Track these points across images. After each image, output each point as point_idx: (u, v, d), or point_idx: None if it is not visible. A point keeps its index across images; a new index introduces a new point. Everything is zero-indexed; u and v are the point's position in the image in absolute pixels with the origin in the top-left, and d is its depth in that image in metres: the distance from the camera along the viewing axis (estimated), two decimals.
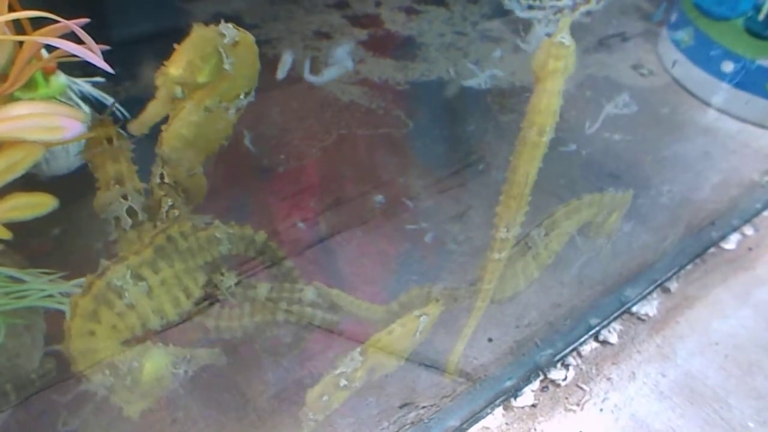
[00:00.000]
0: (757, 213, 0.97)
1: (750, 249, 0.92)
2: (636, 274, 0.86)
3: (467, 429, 0.68)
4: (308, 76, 1.00)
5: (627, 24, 1.39)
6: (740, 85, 1.13)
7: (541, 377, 0.73)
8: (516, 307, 0.79)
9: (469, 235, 0.88)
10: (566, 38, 0.56)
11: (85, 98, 0.78)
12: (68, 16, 0.50)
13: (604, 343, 0.78)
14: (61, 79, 0.74)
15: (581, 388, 0.73)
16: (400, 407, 0.69)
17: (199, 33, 0.54)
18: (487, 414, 0.69)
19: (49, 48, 0.51)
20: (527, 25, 1.09)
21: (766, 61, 1.09)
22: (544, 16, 1.09)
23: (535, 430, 0.68)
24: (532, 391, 0.72)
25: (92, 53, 0.48)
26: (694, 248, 0.90)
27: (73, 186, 0.62)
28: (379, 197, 0.92)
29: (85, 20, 0.50)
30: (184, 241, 0.58)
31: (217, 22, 0.54)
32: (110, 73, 0.50)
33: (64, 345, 0.52)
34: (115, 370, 0.54)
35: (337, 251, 0.85)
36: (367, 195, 0.92)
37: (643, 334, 0.79)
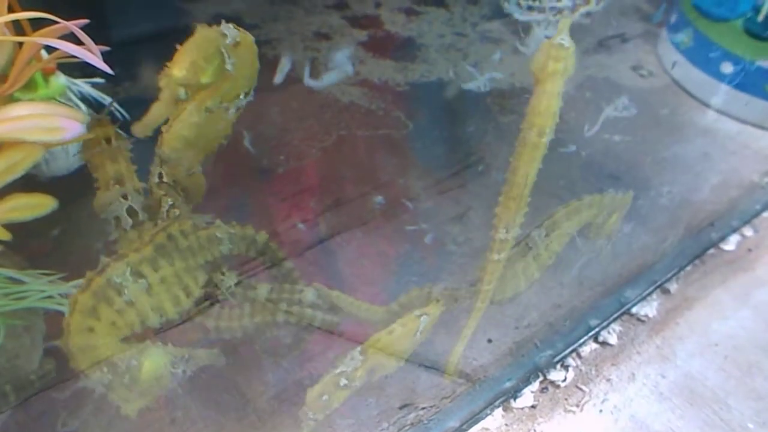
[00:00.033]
0: (757, 214, 0.97)
1: (749, 250, 0.92)
2: (636, 275, 0.86)
3: (467, 430, 0.68)
4: (308, 81, 1.01)
5: (627, 25, 1.40)
6: (740, 87, 1.13)
7: (541, 378, 0.73)
8: (516, 308, 0.79)
9: (469, 236, 0.88)
10: (566, 40, 0.56)
11: (85, 99, 0.78)
12: (68, 17, 0.50)
13: (604, 344, 0.78)
14: (60, 79, 0.74)
15: (581, 389, 0.73)
16: (400, 408, 0.69)
17: (202, 34, 0.54)
18: (487, 415, 0.69)
19: (49, 49, 0.51)
20: (526, 27, 1.10)
21: (766, 62, 1.09)
22: (544, 18, 1.09)
23: (534, 431, 0.68)
24: (532, 392, 0.72)
25: (92, 54, 0.48)
26: (693, 249, 0.90)
27: (73, 187, 0.62)
28: (379, 198, 0.92)
29: (84, 21, 0.50)
30: (184, 239, 0.58)
31: (218, 23, 0.55)
32: (110, 74, 0.50)
33: (63, 341, 0.52)
34: (114, 368, 0.54)
35: (336, 252, 0.85)
36: (367, 196, 0.92)
37: (643, 335, 0.79)
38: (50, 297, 0.60)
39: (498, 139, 1.04)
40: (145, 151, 0.62)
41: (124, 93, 0.99)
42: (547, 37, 0.57)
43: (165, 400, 0.66)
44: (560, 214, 0.73)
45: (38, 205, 0.52)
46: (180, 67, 0.54)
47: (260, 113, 1.03)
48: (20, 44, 0.52)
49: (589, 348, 0.77)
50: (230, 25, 0.54)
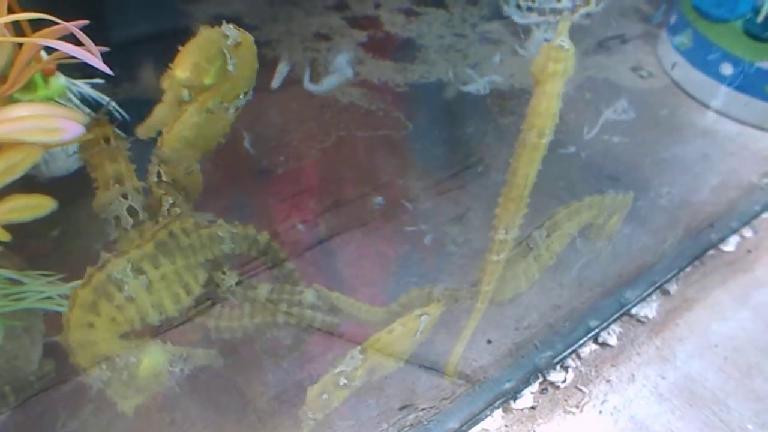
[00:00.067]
0: (756, 215, 0.97)
1: (749, 251, 0.92)
2: (635, 276, 0.86)
3: (466, 431, 0.68)
4: (308, 85, 1.01)
5: (626, 26, 1.40)
6: (739, 88, 1.13)
7: (541, 379, 0.73)
8: (515, 309, 0.79)
9: (469, 237, 0.88)
10: (565, 41, 0.56)
11: (85, 100, 0.78)
12: (67, 18, 0.50)
13: (604, 345, 0.78)
14: (60, 80, 0.74)
15: (580, 390, 0.72)
16: (400, 409, 0.69)
17: (204, 35, 0.54)
18: (487, 416, 0.69)
19: (49, 50, 0.51)
20: (526, 30, 1.10)
21: (765, 64, 1.09)
22: (544, 20, 1.09)
23: None
24: (532, 393, 0.72)
25: (91, 55, 0.48)
26: (693, 250, 0.90)
27: (72, 187, 0.62)
28: (379, 199, 0.92)
29: (84, 22, 0.50)
30: (185, 237, 0.58)
31: (219, 24, 0.55)
32: (109, 75, 0.50)
33: (63, 336, 0.52)
34: (113, 364, 0.54)
35: (336, 253, 0.85)
36: (367, 197, 0.92)
37: (643, 336, 0.79)
38: (49, 298, 0.60)
39: (497, 140, 1.04)
40: (140, 150, 0.62)
41: (124, 94, 0.99)
42: (547, 40, 0.57)
43: (164, 400, 0.66)
44: (561, 215, 0.73)
45: (37, 205, 0.52)
46: (183, 69, 0.54)
47: (260, 114, 1.03)
48: (20, 45, 0.52)
49: (588, 349, 0.77)
50: (231, 26, 0.55)
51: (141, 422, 0.65)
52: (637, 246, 0.90)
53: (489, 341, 0.76)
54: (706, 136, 1.13)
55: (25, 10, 0.49)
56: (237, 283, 0.64)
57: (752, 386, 0.74)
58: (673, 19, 1.27)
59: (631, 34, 1.37)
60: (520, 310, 0.79)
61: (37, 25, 0.51)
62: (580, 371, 0.75)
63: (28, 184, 0.51)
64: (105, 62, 0.49)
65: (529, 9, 1.21)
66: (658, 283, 0.85)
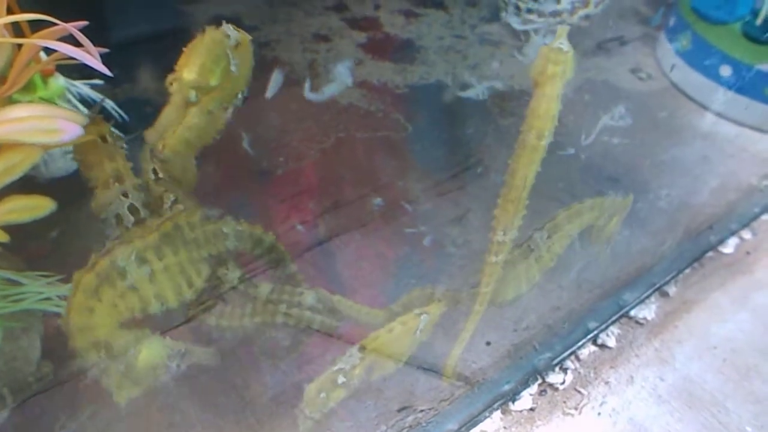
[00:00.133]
0: (756, 217, 0.97)
1: (748, 253, 0.92)
2: (634, 278, 0.86)
3: None
4: (308, 94, 1.01)
5: (625, 28, 1.40)
6: (738, 90, 1.14)
7: (540, 381, 0.73)
8: (514, 311, 0.79)
9: (468, 238, 0.88)
10: (564, 44, 0.56)
11: (84, 100, 0.78)
12: (67, 19, 0.50)
13: (603, 346, 0.78)
14: (59, 81, 0.74)
15: (579, 391, 0.72)
16: (399, 411, 0.69)
17: (210, 35, 0.55)
18: (486, 418, 0.69)
19: (48, 50, 0.51)
20: (525, 34, 1.10)
21: (764, 66, 1.09)
22: (543, 23, 1.10)
23: None
24: (531, 394, 0.72)
25: (90, 56, 0.48)
26: (692, 252, 0.90)
27: (71, 188, 0.62)
28: (378, 200, 0.92)
29: (83, 23, 0.50)
30: (190, 231, 0.58)
31: (219, 24, 0.55)
32: (108, 76, 0.50)
33: (64, 320, 0.53)
34: (111, 352, 0.54)
35: (335, 254, 0.85)
36: (366, 198, 0.92)
37: (642, 338, 0.79)
38: (48, 299, 0.60)
39: (497, 142, 1.04)
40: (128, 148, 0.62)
41: (123, 95, 0.99)
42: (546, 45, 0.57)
43: (163, 401, 0.66)
44: (562, 217, 0.73)
45: (37, 206, 0.52)
46: (190, 70, 0.55)
47: (259, 115, 1.03)
48: (19, 46, 0.52)
49: (587, 351, 0.77)
50: (230, 26, 0.55)
51: (140, 423, 0.65)
52: (636, 248, 0.90)
53: (488, 343, 0.76)
54: (705, 138, 1.13)
55: (24, 11, 0.49)
56: (239, 280, 0.65)
57: (751, 388, 0.74)
58: (672, 21, 1.27)
59: (630, 36, 1.37)
60: (519, 311, 0.79)
61: (36, 26, 0.51)
62: (579, 373, 0.75)
63: (27, 184, 0.51)
64: (104, 63, 0.49)
65: (529, 11, 1.21)
66: (657, 285, 0.85)
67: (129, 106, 0.83)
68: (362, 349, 0.61)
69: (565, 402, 0.71)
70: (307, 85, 1.03)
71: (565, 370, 0.75)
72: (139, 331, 0.56)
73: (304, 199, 0.91)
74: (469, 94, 1.06)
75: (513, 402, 0.71)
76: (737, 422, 0.70)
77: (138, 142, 0.61)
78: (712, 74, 1.16)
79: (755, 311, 0.83)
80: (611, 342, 0.78)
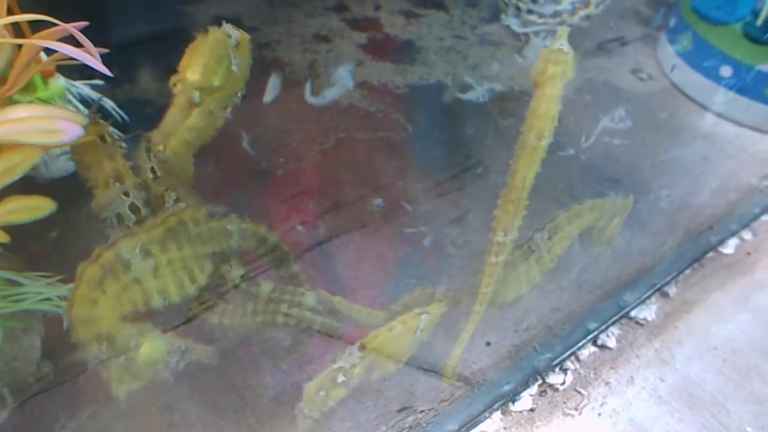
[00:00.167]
0: (756, 217, 0.97)
1: (748, 253, 0.92)
2: (635, 278, 0.86)
3: None
4: (309, 99, 1.01)
5: (626, 28, 1.40)
6: (739, 90, 1.14)
7: (540, 381, 0.73)
8: (514, 312, 0.79)
9: (468, 238, 0.88)
10: (564, 45, 0.56)
11: (84, 101, 0.78)
12: (67, 20, 0.50)
13: (603, 347, 0.78)
14: (59, 82, 0.74)
15: (579, 392, 0.72)
16: (399, 411, 0.69)
17: (213, 36, 0.55)
18: (486, 418, 0.69)
19: (48, 51, 0.51)
20: (525, 37, 1.10)
21: (765, 66, 1.09)
22: (543, 22, 1.10)
23: None
24: (531, 395, 0.72)
25: (90, 56, 0.48)
26: (692, 253, 0.90)
27: (71, 188, 0.62)
28: (378, 201, 0.92)
29: (84, 23, 0.50)
30: (195, 226, 0.58)
31: (219, 25, 0.55)
32: (109, 76, 0.50)
33: (66, 311, 0.53)
34: (112, 345, 0.54)
35: (335, 254, 0.85)
36: (366, 198, 0.92)
37: (642, 339, 0.79)
38: (48, 299, 0.60)
39: (497, 142, 1.04)
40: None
41: (123, 95, 0.99)
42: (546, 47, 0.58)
43: (163, 402, 0.66)
44: (562, 218, 0.73)
45: (37, 207, 0.52)
46: (194, 71, 0.55)
47: (259, 115, 1.03)
48: (19, 46, 0.52)
49: (587, 351, 0.77)
50: (230, 26, 0.55)
51: (140, 424, 0.65)
52: (637, 248, 0.90)
53: (488, 343, 0.76)
54: (705, 138, 1.13)
55: (24, 11, 0.49)
56: (242, 277, 0.65)
57: (751, 389, 0.74)
58: (672, 22, 1.27)
59: (631, 37, 1.37)
60: (519, 312, 0.79)
61: (36, 27, 0.51)
62: (579, 373, 0.75)
63: (27, 185, 0.51)
64: (104, 63, 0.49)
65: (529, 11, 1.21)
66: (657, 286, 0.85)
67: (129, 107, 0.83)
68: (362, 347, 0.61)
69: (565, 403, 0.71)
70: (307, 88, 1.03)
71: (565, 371, 0.75)
72: (142, 325, 0.56)
73: (305, 200, 0.91)
74: (469, 96, 1.07)
75: (513, 402, 0.71)
76: (737, 423, 0.70)
77: (137, 142, 0.62)
78: (713, 75, 1.16)
79: (756, 312, 0.83)
80: (611, 343, 0.78)
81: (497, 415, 0.70)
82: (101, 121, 0.61)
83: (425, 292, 0.70)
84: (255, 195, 0.92)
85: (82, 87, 0.78)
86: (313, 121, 1.05)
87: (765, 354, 0.78)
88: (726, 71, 1.14)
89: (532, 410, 0.70)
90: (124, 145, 0.62)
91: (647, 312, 0.82)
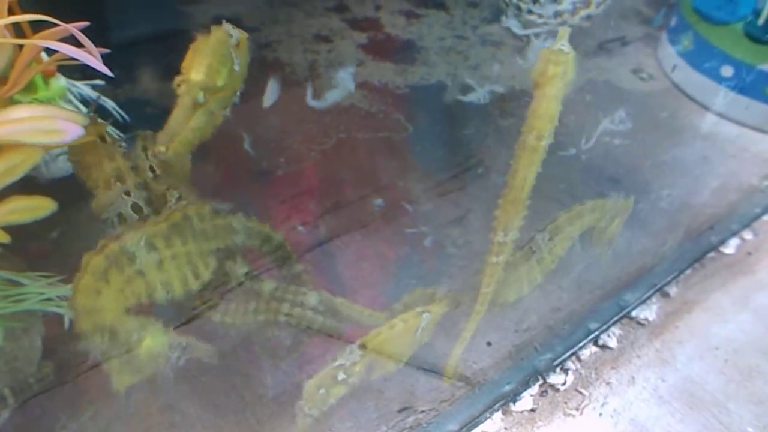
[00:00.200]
0: (757, 217, 0.97)
1: (749, 253, 0.92)
2: (635, 278, 0.86)
3: None
4: (311, 102, 1.01)
5: (627, 28, 1.40)
6: (740, 90, 1.13)
7: (541, 382, 0.73)
8: (515, 312, 0.79)
9: (469, 238, 0.88)
10: (565, 46, 0.56)
11: (85, 101, 0.78)
12: (68, 20, 0.50)
13: (604, 347, 0.78)
14: (60, 82, 0.74)
15: (580, 392, 0.72)
16: (399, 411, 0.68)
17: (216, 35, 0.55)
18: (486, 419, 0.69)
19: (49, 51, 0.51)
20: (525, 39, 1.10)
21: (766, 66, 1.09)
22: (543, 30, 1.10)
23: None
24: (531, 395, 0.72)
25: (91, 56, 0.48)
26: (693, 253, 0.90)
27: (72, 189, 0.62)
28: (379, 201, 0.92)
29: (85, 23, 0.50)
30: (199, 222, 0.58)
31: (220, 24, 0.55)
32: (109, 76, 0.50)
33: (70, 301, 0.53)
34: (115, 337, 0.54)
35: (336, 255, 0.85)
36: (367, 198, 0.92)
37: (643, 339, 0.79)
38: (49, 299, 0.60)
39: (498, 142, 1.04)
40: None
41: (124, 95, 0.99)
42: None
43: (164, 402, 0.66)
44: (563, 218, 0.73)
45: (37, 207, 0.52)
46: (198, 71, 0.55)
47: (260, 115, 1.03)
48: (20, 47, 0.52)
49: (588, 351, 0.77)
50: (230, 25, 0.55)
51: (140, 424, 0.65)
52: (637, 248, 0.90)
53: (489, 343, 0.76)
54: (706, 138, 1.13)
55: (25, 11, 0.49)
56: (245, 274, 0.65)
57: (753, 389, 0.74)
58: (673, 22, 1.27)
59: (632, 37, 1.37)
60: (520, 312, 0.79)
61: (37, 27, 0.52)
62: (580, 374, 0.75)
63: (27, 185, 0.51)
64: (105, 64, 0.49)
65: (530, 12, 1.21)
66: (658, 286, 0.85)
67: (130, 106, 0.83)
68: (363, 346, 0.60)
69: (566, 403, 0.71)
70: (309, 92, 1.03)
71: (566, 371, 0.74)
72: (144, 319, 0.56)
73: (305, 200, 0.91)
74: (470, 98, 1.07)
75: (514, 403, 0.71)
76: (739, 423, 0.70)
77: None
78: (714, 74, 1.16)
79: (756, 312, 0.83)
80: (612, 343, 0.78)
81: (498, 415, 0.70)
82: (100, 120, 0.61)
83: (426, 293, 0.70)
84: (256, 195, 0.92)
85: (83, 87, 0.78)
86: (313, 122, 1.05)
87: (766, 354, 0.78)
88: (727, 71, 1.14)
89: (532, 410, 0.70)
90: (123, 144, 0.62)
91: (648, 312, 0.82)
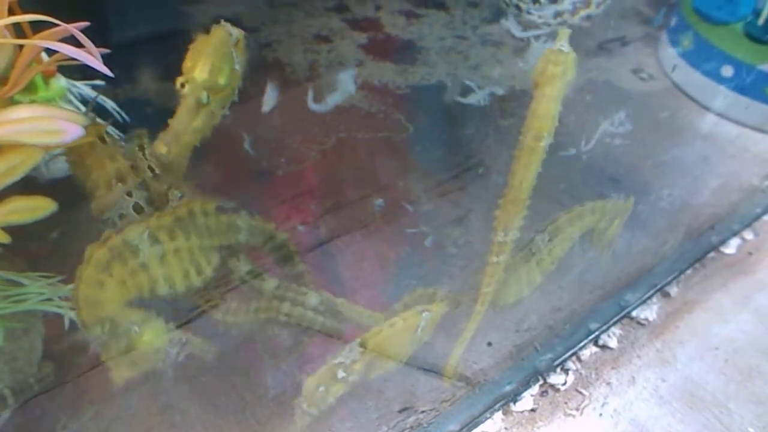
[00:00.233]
0: (757, 217, 0.97)
1: (750, 253, 0.92)
2: (636, 278, 0.86)
3: None
4: (312, 105, 1.02)
5: (627, 28, 1.40)
6: (740, 90, 1.13)
7: (541, 382, 0.73)
8: (516, 312, 0.79)
9: (469, 238, 0.88)
10: (565, 46, 0.56)
11: (85, 101, 0.78)
12: (68, 20, 0.50)
13: (604, 347, 0.78)
14: (61, 82, 0.74)
15: (581, 392, 0.72)
16: (400, 411, 0.68)
17: (217, 35, 0.55)
18: (487, 419, 0.69)
19: (49, 51, 0.51)
20: (526, 42, 1.10)
21: (766, 66, 1.09)
22: (545, 26, 1.09)
23: None
24: (532, 395, 0.72)
25: (92, 57, 0.48)
26: (694, 253, 0.90)
27: (72, 189, 0.62)
28: (379, 201, 0.92)
29: (85, 24, 0.50)
30: (203, 218, 0.59)
31: (218, 24, 0.55)
32: (110, 77, 0.50)
33: (73, 291, 0.53)
34: (115, 329, 0.54)
35: (336, 255, 0.85)
36: (367, 199, 0.92)
37: (643, 339, 0.79)
38: (49, 300, 0.60)
39: (498, 142, 1.04)
40: None
41: (124, 95, 0.99)
42: None
43: (164, 403, 0.66)
44: (563, 220, 0.73)
45: (38, 207, 0.52)
46: (202, 70, 0.55)
47: (260, 116, 1.03)
48: (21, 47, 0.52)
49: (589, 351, 0.77)
50: (228, 24, 0.55)
51: (140, 425, 0.65)
52: (638, 248, 0.90)
53: (489, 343, 0.76)
54: (706, 138, 1.13)
55: (25, 11, 0.49)
56: (248, 272, 0.65)
57: (753, 389, 0.74)
58: (673, 22, 1.27)
59: (632, 37, 1.37)
60: (521, 312, 0.79)
61: (37, 27, 0.52)
62: (581, 374, 0.74)
63: (28, 185, 0.51)
64: (105, 64, 0.49)
65: (530, 12, 1.21)
66: (659, 286, 0.85)
67: (130, 107, 0.83)
68: (363, 343, 0.60)
69: (566, 403, 0.71)
70: (310, 95, 1.03)
71: (566, 371, 0.74)
72: (145, 314, 0.57)
73: (305, 200, 0.91)
74: (470, 100, 1.07)
75: (514, 403, 0.71)
76: (739, 423, 0.70)
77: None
78: (714, 74, 1.16)
79: (757, 312, 0.83)
80: (613, 343, 0.78)
81: (498, 415, 0.70)
82: (98, 120, 0.61)
83: (426, 293, 0.70)
84: (256, 195, 0.92)
85: (83, 87, 0.78)
86: (313, 122, 1.05)
87: (766, 354, 0.78)
88: (727, 71, 1.14)
89: (533, 410, 0.70)
90: (123, 144, 0.62)
91: (648, 312, 0.82)
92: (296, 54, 1.19)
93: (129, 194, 0.60)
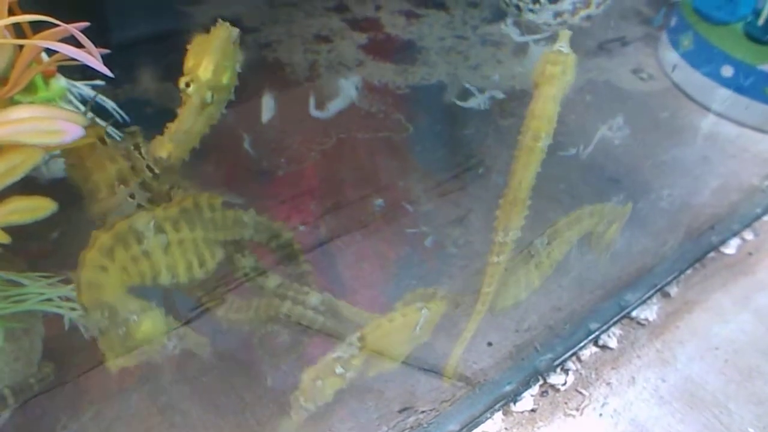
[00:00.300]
0: (757, 218, 0.97)
1: (750, 254, 0.92)
2: (636, 278, 0.86)
3: None
4: (314, 112, 1.02)
5: (627, 28, 1.40)
6: (740, 90, 1.13)
7: (541, 382, 0.73)
8: (516, 312, 0.79)
9: (469, 239, 0.88)
10: (564, 47, 0.57)
11: (85, 101, 0.78)
12: (68, 20, 0.50)
13: (604, 347, 0.78)
14: (61, 82, 0.74)
15: (581, 392, 0.72)
16: (400, 412, 0.68)
17: (218, 34, 0.55)
18: (487, 419, 0.69)
19: (49, 51, 0.51)
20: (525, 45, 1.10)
21: (766, 66, 1.09)
22: (545, 26, 1.09)
23: None
24: (532, 395, 0.72)
25: (91, 57, 0.48)
26: (694, 253, 0.90)
27: (72, 189, 0.62)
28: (379, 201, 0.92)
29: (85, 24, 0.50)
30: (209, 211, 0.59)
31: (214, 24, 0.55)
32: (110, 77, 0.50)
33: (76, 273, 0.53)
34: (114, 315, 0.54)
35: (336, 255, 0.85)
36: (367, 199, 0.92)
37: (643, 339, 0.79)
38: (49, 300, 0.60)
39: (498, 142, 1.04)
40: None
41: (124, 95, 0.99)
42: None
43: (164, 403, 0.66)
44: (562, 223, 0.73)
45: (38, 207, 0.52)
46: (206, 69, 0.55)
47: (260, 116, 1.03)
48: (21, 47, 0.52)
49: (589, 351, 0.77)
50: (227, 24, 0.55)
51: (140, 425, 0.65)
52: (638, 248, 0.90)
53: (489, 343, 0.76)
54: (706, 138, 1.13)
55: (25, 12, 0.49)
56: (252, 269, 0.65)
57: (753, 389, 0.74)
58: (673, 22, 1.27)
59: (632, 37, 1.37)
60: (521, 312, 0.79)
61: (37, 27, 0.52)
62: (581, 374, 0.74)
63: (28, 185, 0.51)
64: (105, 64, 0.49)
65: (530, 12, 1.21)
66: (659, 286, 0.85)
67: (130, 107, 0.83)
68: (362, 338, 0.60)
69: (566, 403, 0.71)
70: (311, 102, 1.04)
71: (566, 371, 0.74)
72: (145, 303, 0.57)
73: (305, 200, 0.91)
74: (470, 104, 1.07)
75: (514, 403, 0.71)
76: (739, 423, 0.70)
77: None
78: (714, 74, 1.16)
79: (757, 312, 0.83)
80: (613, 343, 0.78)
81: (498, 415, 0.70)
82: (98, 121, 0.61)
83: (426, 293, 0.70)
84: (256, 195, 0.92)
85: (83, 87, 0.78)
86: (313, 122, 1.05)
87: (766, 354, 0.78)
88: (727, 71, 1.14)
89: (533, 410, 0.70)
90: (121, 144, 0.62)
91: (648, 312, 0.82)
92: (296, 54, 1.19)
93: (132, 196, 0.59)
